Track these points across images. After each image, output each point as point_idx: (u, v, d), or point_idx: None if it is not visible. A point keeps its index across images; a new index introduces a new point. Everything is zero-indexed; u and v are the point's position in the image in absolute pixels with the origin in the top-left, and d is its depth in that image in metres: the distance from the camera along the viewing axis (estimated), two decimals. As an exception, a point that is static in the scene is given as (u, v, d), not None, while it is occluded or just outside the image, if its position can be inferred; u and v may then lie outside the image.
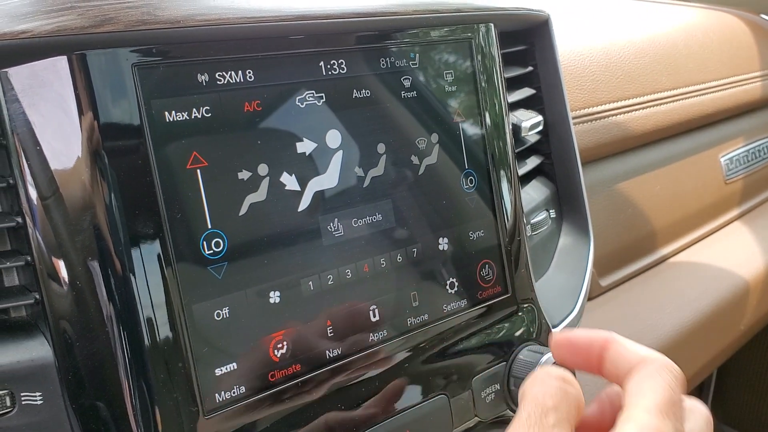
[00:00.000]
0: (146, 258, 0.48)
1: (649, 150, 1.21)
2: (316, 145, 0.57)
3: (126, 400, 0.48)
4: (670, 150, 1.25)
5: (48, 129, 0.46)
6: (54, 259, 0.47)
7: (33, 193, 0.47)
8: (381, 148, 0.61)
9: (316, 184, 0.56)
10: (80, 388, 0.48)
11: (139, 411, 0.48)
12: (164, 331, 0.49)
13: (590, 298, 1.09)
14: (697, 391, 1.80)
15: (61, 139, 0.46)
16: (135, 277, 0.48)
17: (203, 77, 0.51)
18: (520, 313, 0.70)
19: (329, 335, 0.57)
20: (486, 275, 0.68)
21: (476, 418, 0.66)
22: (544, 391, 0.43)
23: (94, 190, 0.47)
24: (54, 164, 0.47)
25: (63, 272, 0.47)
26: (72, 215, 0.47)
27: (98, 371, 0.48)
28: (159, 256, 0.48)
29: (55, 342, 0.48)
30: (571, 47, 1.07)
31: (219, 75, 0.52)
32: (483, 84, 0.68)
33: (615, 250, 1.12)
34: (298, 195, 0.55)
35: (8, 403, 0.47)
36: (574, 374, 0.68)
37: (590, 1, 1.38)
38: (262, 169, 0.53)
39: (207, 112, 0.51)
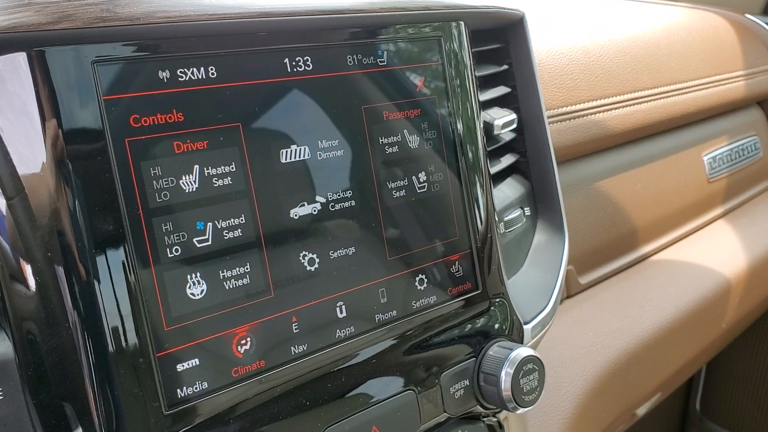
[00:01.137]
0: (108, 256, 0.48)
1: (630, 148, 1.21)
2: (284, 142, 0.57)
3: (88, 395, 0.48)
4: (652, 149, 1.25)
5: (8, 126, 0.47)
6: (16, 257, 0.48)
7: (-7, 191, 0.47)
8: (348, 144, 0.61)
9: (279, 180, 0.57)
10: (41, 383, 0.48)
11: (102, 406, 0.48)
12: (127, 327, 0.49)
13: (570, 295, 1.09)
14: (686, 388, 1.81)
15: (21, 135, 0.47)
16: (97, 275, 0.48)
17: (164, 74, 0.51)
18: (491, 309, 0.71)
19: (294, 331, 0.57)
20: (456, 271, 0.68)
21: (445, 413, 0.66)
22: None
23: (56, 188, 0.47)
24: (15, 161, 0.47)
25: (25, 270, 0.48)
26: (34, 213, 0.47)
27: (59, 367, 0.48)
28: (121, 255, 0.49)
29: (15, 338, 0.48)
30: (550, 45, 1.07)
31: (180, 72, 0.52)
32: (453, 82, 0.68)
33: (595, 248, 1.12)
34: (255, 193, 0.56)
35: (-33, 399, 0.47)
36: (543, 364, 0.68)
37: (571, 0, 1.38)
38: (226, 167, 0.54)
39: (169, 109, 0.51)
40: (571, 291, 1.08)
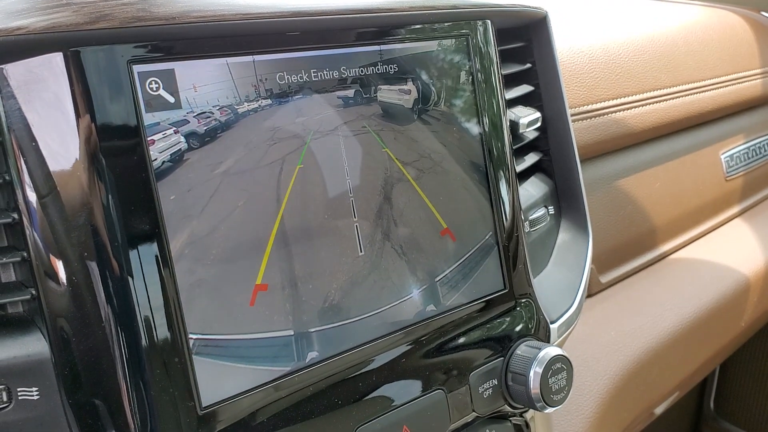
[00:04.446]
0: (143, 255, 0.48)
1: (649, 147, 1.21)
2: (313, 139, 0.57)
3: (123, 395, 0.48)
4: (670, 147, 1.25)
5: (44, 125, 0.47)
6: (50, 256, 0.48)
7: (29, 190, 0.47)
8: (378, 145, 0.61)
9: (308, 180, 0.57)
10: (77, 383, 0.48)
11: (136, 406, 0.48)
12: (161, 327, 0.49)
13: (590, 294, 1.09)
14: (700, 387, 1.80)
15: (57, 135, 0.47)
16: (132, 274, 0.48)
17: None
18: (518, 309, 0.71)
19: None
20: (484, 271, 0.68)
21: (474, 413, 0.66)
22: None
23: (90, 186, 0.47)
24: (50, 160, 0.47)
25: (59, 268, 0.48)
26: (68, 211, 0.47)
27: (95, 367, 0.48)
28: (156, 253, 0.49)
29: (51, 337, 0.48)
30: (571, 44, 1.07)
31: (214, 71, 0.52)
32: (480, 81, 0.68)
33: (615, 247, 1.12)
34: (285, 189, 0.56)
35: (5, 399, 0.47)
36: (570, 363, 0.68)
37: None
38: (259, 166, 0.54)
39: (203, 108, 0.51)
40: (592, 290, 1.08)
